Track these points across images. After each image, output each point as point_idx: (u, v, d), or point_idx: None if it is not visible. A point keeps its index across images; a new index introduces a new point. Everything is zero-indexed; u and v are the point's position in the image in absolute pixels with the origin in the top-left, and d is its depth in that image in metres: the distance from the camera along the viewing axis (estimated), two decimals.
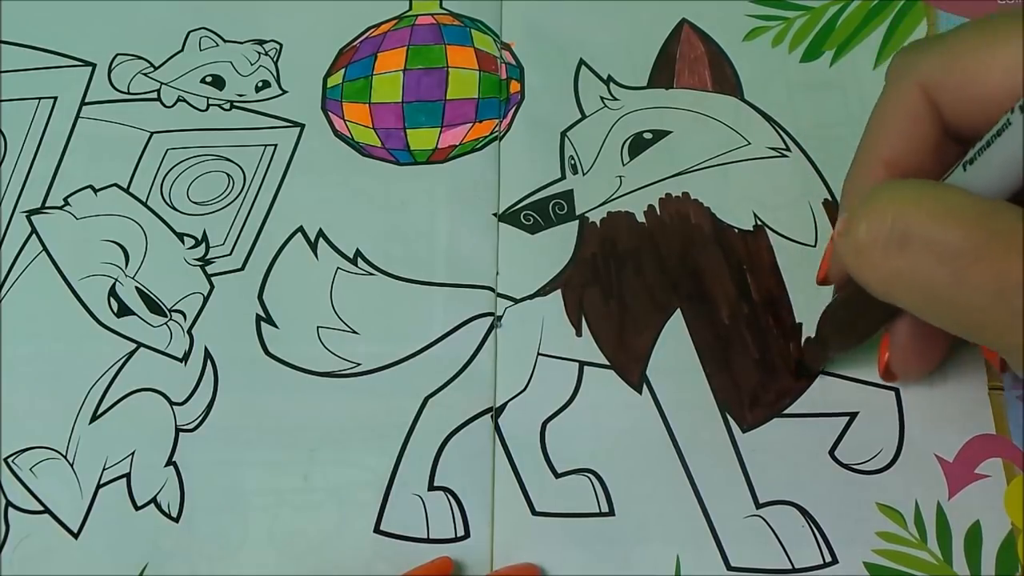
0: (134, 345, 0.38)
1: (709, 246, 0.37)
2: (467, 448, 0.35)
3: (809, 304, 0.36)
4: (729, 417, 0.35)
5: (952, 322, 0.26)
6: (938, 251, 0.24)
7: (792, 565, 0.33)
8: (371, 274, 0.38)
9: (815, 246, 0.37)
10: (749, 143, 0.39)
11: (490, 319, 0.37)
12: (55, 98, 0.42)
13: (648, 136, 0.40)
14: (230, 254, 0.39)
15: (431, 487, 0.35)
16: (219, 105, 0.42)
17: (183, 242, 0.39)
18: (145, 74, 0.43)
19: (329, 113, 0.41)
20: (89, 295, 0.39)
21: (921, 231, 0.24)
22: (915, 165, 0.29)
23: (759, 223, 0.38)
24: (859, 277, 0.27)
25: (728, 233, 0.38)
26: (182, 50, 0.43)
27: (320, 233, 0.39)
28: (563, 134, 0.40)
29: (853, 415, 0.35)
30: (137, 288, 0.38)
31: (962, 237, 0.24)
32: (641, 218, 0.38)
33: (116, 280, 0.39)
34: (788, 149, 0.39)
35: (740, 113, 0.40)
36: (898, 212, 0.25)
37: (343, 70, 0.42)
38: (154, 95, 0.42)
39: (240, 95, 0.42)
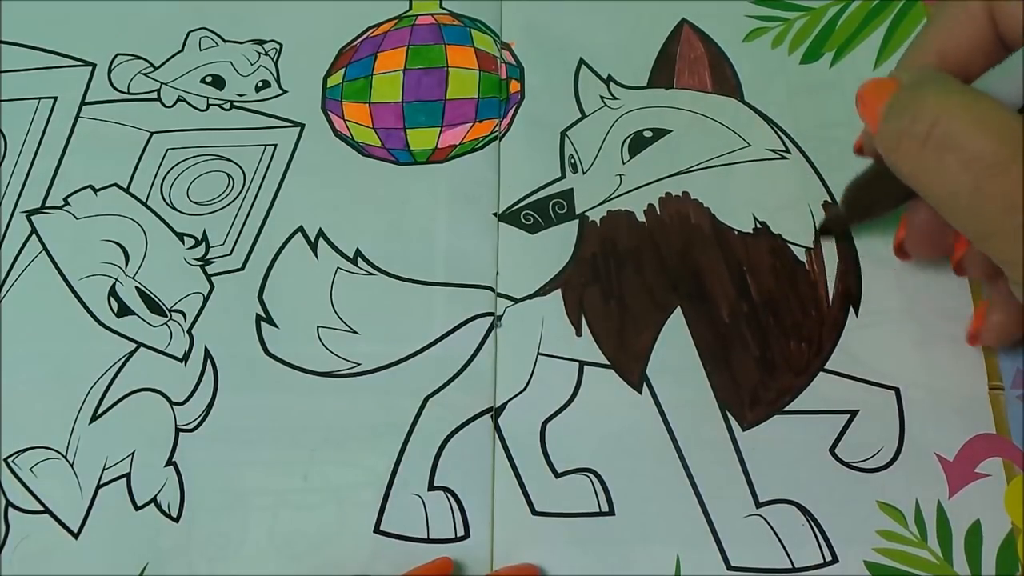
0: (134, 345, 0.38)
1: (709, 245, 0.37)
2: (467, 448, 0.35)
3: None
4: (729, 415, 0.35)
5: (964, 225, 0.28)
6: (966, 157, 0.26)
7: (792, 564, 0.33)
8: (371, 274, 0.38)
9: (814, 247, 0.37)
10: (749, 144, 0.39)
11: (490, 319, 0.37)
12: (55, 98, 0.42)
13: (648, 135, 0.40)
14: (230, 254, 0.39)
15: (431, 487, 0.35)
16: (219, 105, 0.42)
17: (183, 242, 0.39)
18: (145, 74, 0.43)
19: (329, 113, 0.41)
20: (89, 295, 0.39)
21: (956, 135, 0.27)
22: (963, 60, 0.31)
23: (759, 225, 0.38)
24: (891, 161, 0.29)
25: (728, 234, 0.38)
26: (182, 50, 0.43)
27: (320, 233, 0.39)
28: (563, 133, 0.40)
29: (854, 413, 0.35)
30: (137, 288, 0.38)
31: (990, 149, 0.26)
32: (641, 217, 0.38)
33: (116, 280, 0.39)
34: (788, 151, 0.39)
35: (740, 114, 0.40)
36: (940, 113, 0.27)
37: (343, 70, 0.42)
38: (154, 95, 0.42)
39: (240, 95, 0.42)
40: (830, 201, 0.38)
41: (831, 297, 0.36)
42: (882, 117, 0.29)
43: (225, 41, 0.43)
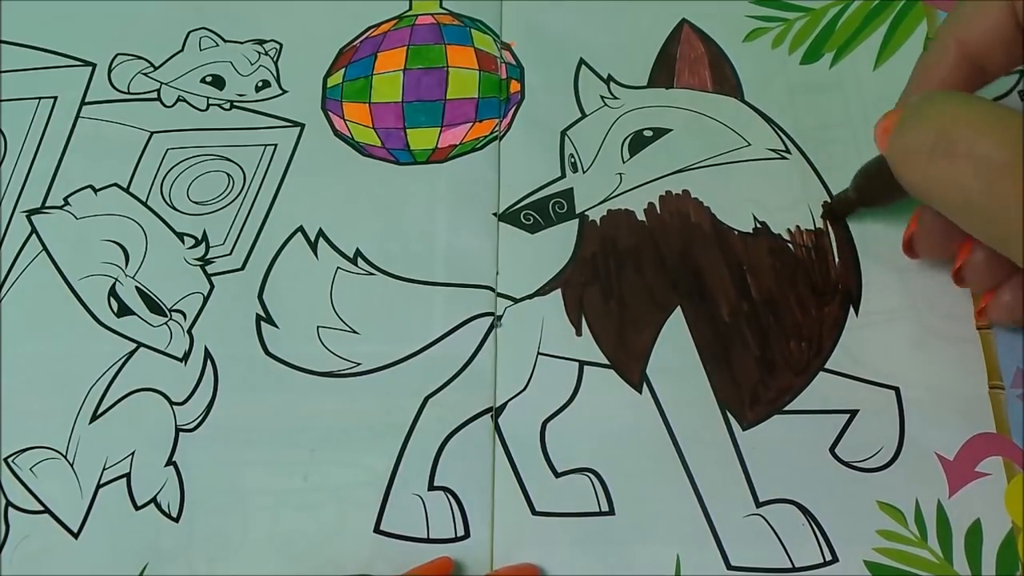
0: (134, 345, 0.38)
1: (709, 245, 0.37)
2: (467, 448, 0.35)
3: None
4: (729, 415, 0.35)
5: (980, 229, 0.28)
6: (975, 162, 0.26)
7: (792, 564, 0.33)
8: (371, 274, 0.38)
9: (815, 243, 0.37)
10: (749, 144, 0.39)
11: (490, 319, 0.37)
12: (55, 98, 0.42)
13: (648, 134, 0.40)
14: (230, 254, 0.39)
15: (431, 487, 0.35)
16: (219, 105, 0.42)
17: (183, 242, 0.39)
18: (145, 74, 0.43)
19: (329, 113, 0.41)
20: (89, 295, 0.39)
21: (964, 142, 0.27)
22: (983, 50, 0.31)
23: (759, 224, 0.38)
24: (901, 176, 0.29)
25: (728, 234, 0.38)
26: (182, 50, 0.43)
27: (320, 233, 0.39)
28: (563, 133, 0.40)
29: (854, 413, 0.35)
30: (137, 288, 0.38)
31: (999, 151, 0.26)
32: (641, 216, 0.38)
33: (116, 280, 0.39)
34: (788, 151, 0.39)
35: (740, 114, 0.40)
36: (945, 123, 0.27)
37: (343, 70, 0.42)
38: (154, 95, 0.42)
39: (240, 95, 0.42)
40: (829, 200, 0.38)
41: (831, 297, 0.36)
42: (890, 138, 0.30)
43: (225, 41, 0.43)
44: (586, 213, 0.38)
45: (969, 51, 0.32)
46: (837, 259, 0.37)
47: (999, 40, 0.31)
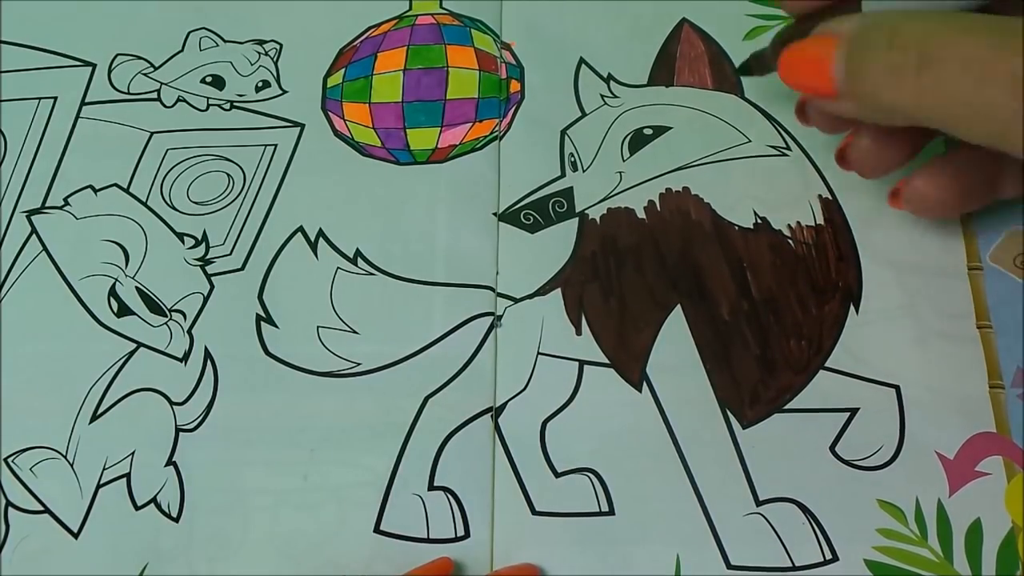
0: (134, 345, 0.38)
1: (709, 242, 0.37)
2: (467, 448, 0.35)
3: None
4: (729, 414, 0.35)
5: (981, 129, 0.28)
6: (963, 60, 0.27)
7: (792, 563, 0.33)
8: (371, 274, 0.38)
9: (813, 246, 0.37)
10: (749, 141, 0.39)
11: (490, 319, 0.37)
12: (55, 98, 0.42)
13: (648, 132, 0.40)
14: (230, 254, 0.39)
15: (431, 487, 0.35)
16: (219, 105, 0.42)
17: (183, 242, 0.39)
18: (145, 74, 0.43)
19: (329, 113, 0.41)
20: (89, 295, 0.39)
21: (944, 46, 0.27)
22: None
23: (759, 221, 0.38)
24: (888, 102, 0.29)
25: (728, 230, 0.38)
26: (182, 50, 0.43)
27: (320, 233, 0.39)
28: (563, 132, 0.40)
29: (854, 411, 0.35)
30: (137, 288, 0.38)
31: (984, 43, 0.26)
32: (641, 214, 0.38)
33: (116, 280, 0.39)
34: (788, 148, 0.39)
35: (741, 111, 0.40)
36: (919, 35, 0.28)
37: (343, 70, 0.42)
38: (154, 95, 0.42)
39: (240, 95, 0.42)
40: (829, 199, 0.38)
41: (831, 295, 0.36)
42: (846, 73, 0.29)
43: (225, 41, 0.43)
44: (586, 212, 0.38)
45: None
46: (837, 257, 0.37)
47: None
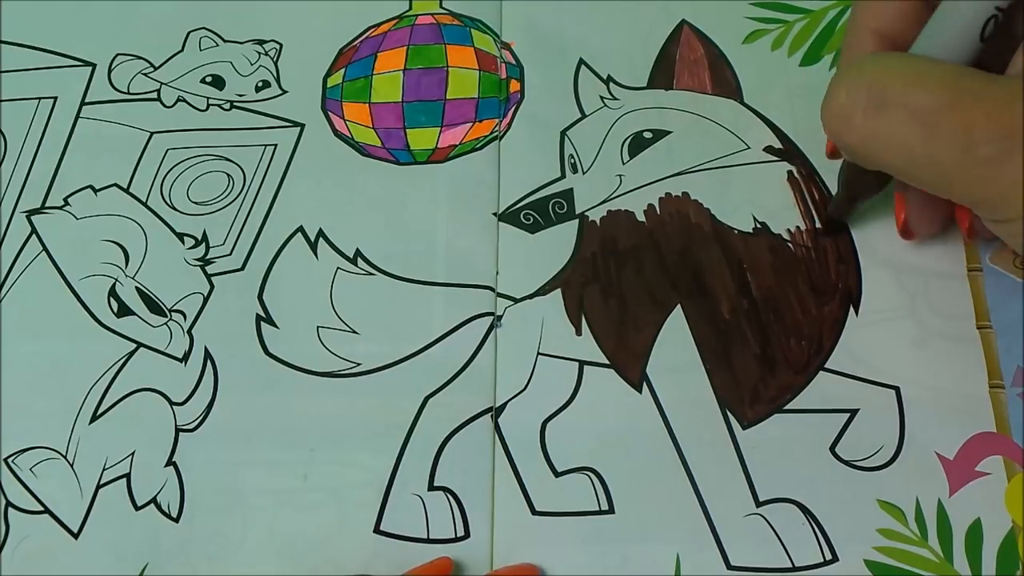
0: (134, 345, 0.38)
1: (709, 243, 0.37)
2: (467, 448, 0.35)
3: None
4: (729, 414, 0.35)
5: (927, 179, 0.28)
6: (911, 110, 0.27)
7: (792, 563, 0.33)
8: (371, 274, 0.38)
9: (814, 244, 0.37)
10: (749, 147, 0.39)
11: (490, 319, 0.37)
12: (55, 98, 0.42)
13: (648, 135, 0.40)
14: (230, 254, 0.39)
15: (431, 487, 0.35)
16: (219, 105, 0.42)
17: (183, 242, 0.39)
18: (145, 74, 0.43)
19: (329, 113, 0.41)
20: (89, 295, 0.39)
21: (896, 93, 0.27)
22: (900, 34, 0.32)
23: (759, 225, 0.38)
24: (841, 141, 0.30)
25: (728, 233, 0.38)
26: (182, 50, 0.43)
27: (320, 233, 0.39)
28: (563, 133, 0.40)
29: (854, 412, 0.35)
30: (137, 288, 0.38)
31: (933, 96, 0.27)
32: (641, 217, 0.38)
33: (116, 280, 0.39)
34: (788, 153, 0.39)
35: (740, 116, 0.40)
36: (874, 79, 0.28)
37: (343, 70, 0.42)
38: (154, 95, 0.42)
39: (240, 95, 0.42)
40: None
41: (831, 296, 0.36)
42: (822, 105, 0.30)
43: (225, 41, 0.43)
44: (586, 214, 0.38)
45: (886, 36, 0.32)
46: (837, 258, 0.37)
47: (912, 20, 0.31)
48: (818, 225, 0.38)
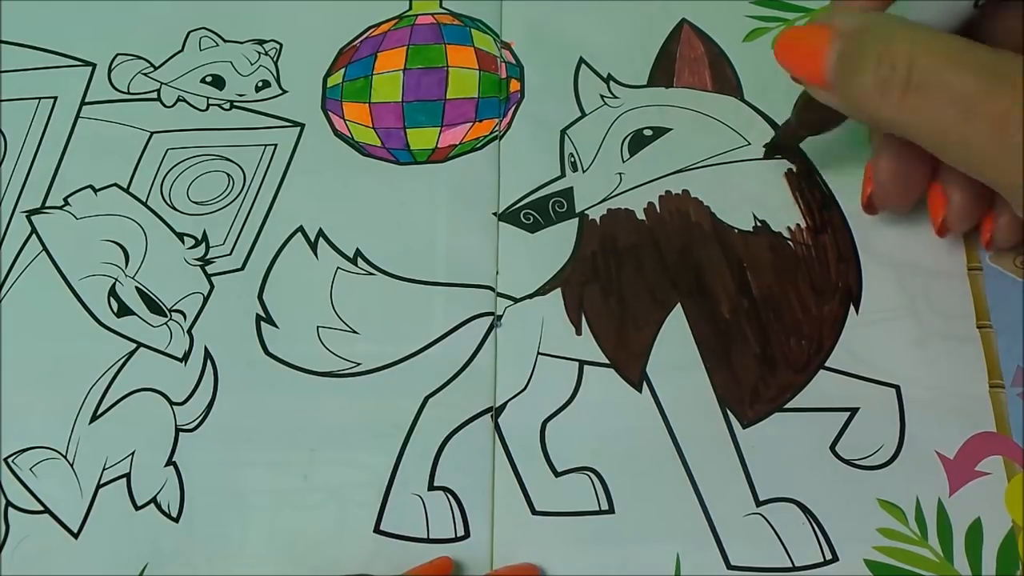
0: (134, 345, 0.38)
1: (709, 242, 0.37)
2: (467, 448, 0.35)
3: None
4: (729, 413, 0.35)
5: (959, 158, 0.28)
6: (950, 92, 0.27)
7: (792, 563, 0.33)
8: (371, 274, 0.38)
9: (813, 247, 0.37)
10: (749, 143, 0.39)
11: (490, 319, 0.37)
12: (55, 98, 0.42)
13: (648, 133, 0.40)
14: (230, 254, 0.39)
15: (431, 487, 0.35)
16: (219, 105, 0.42)
17: (183, 242, 0.39)
18: (145, 74, 0.43)
19: (329, 113, 0.41)
20: (89, 295, 0.39)
21: (937, 73, 0.27)
22: None
23: (759, 223, 0.38)
24: (871, 112, 0.29)
25: (728, 232, 0.38)
26: (182, 50, 0.43)
27: (320, 233, 0.39)
28: (563, 132, 0.40)
29: (854, 411, 0.35)
30: (137, 288, 0.38)
31: (972, 80, 0.27)
32: (641, 215, 0.38)
33: (116, 280, 0.39)
34: (788, 150, 0.39)
35: (740, 113, 0.40)
36: (916, 55, 0.28)
37: (343, 70, 0.42)
38: (154, 95, 0.42)
39: (240, 95, 0.42)
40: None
41: (831, 295, 0.36)
42: (837, 70, 0.30)
43: (225, 41, 0.43)
44: (586, 212, 0.38)
45: None
46: (837, 257, 0.37)
47: None
48: (818, 224, 0.37)
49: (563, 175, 0.39)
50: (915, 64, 0.28)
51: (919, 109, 0.28)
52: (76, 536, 0.35)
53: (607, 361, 0.36)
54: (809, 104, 0.34)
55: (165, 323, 0.38)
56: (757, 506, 0.34)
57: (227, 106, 0.42)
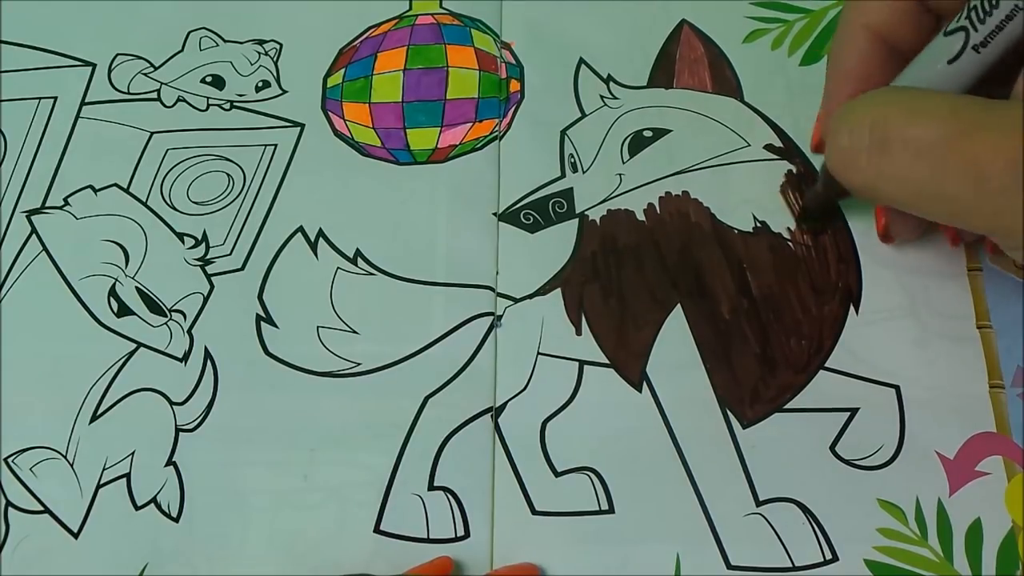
0: (134, 345, 0.38)
1: (709, 243, 0.37)
2: (467, 448, 0.35)
3: None
4: (729, 413, 0.35)
5: (940, 213, 0.28)
6: (916, 147, 0.26)
7: (792, 563, 0.33)
8: (371, 274, 0.38)
9: (804, 239, 0.37)
10: (749, 145, 0.39)
11: (490, 319, 0.37)
12: (55, 98, 0.42)
13: (648, 134, 0.40)
14: (230, 254, 0.39)
15: (431, 487, 0.35)
16: (219, 105, 0.42)
17: (183, 242, 0.39)
18: (145, 74, 0.43)
19: (329, 113, 0.41)
20: (89, 295, 0.39)
21: (898, 131, 0.26)
22: (892, 30, 0.31)
23: (759, 224, 0.38)
24: (847, 182, 0.29)
25: (728, 232, 0.38)
26: (182, 50, 0.43)
27: (320, 233, 0.39)
28: (563, 132, 0.40)
29: (854, 411, 0.35)
30: (137, 288, 0.38)
31: (936, 131, 0.26)
32: (641, 216, 0.38)
33: (116, 280, 0.39)
34: (788, 152, 0.39)
35: (740, 114, 0.40)
36: (875, 118, 0.27)
37: (343, 70, 0.42)
38: (154, 95, 0.42)
39: (240, 95, 0.42)
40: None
41: (831, 295, 0.36)
42: (826, 147, 0.30)
43: (225, 41, 0.43)
44: (586, 213, 0.38)
45: (878, 34, 0.31)
46: (837, 257, 0.37)
47: (904, 16, 0.31)
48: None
49: (563, 175, 0.39)
50: (878, 124, 0.27)
51: (889, 170, 0.27)
52: (76, 536, 0.35)
53: (607, 361, 0.36)
54: (825, 170, 0.34)
55: (165, 323, 0.38)
56: (757, 506, 0.34)
57: (227, 106, 0.42)
